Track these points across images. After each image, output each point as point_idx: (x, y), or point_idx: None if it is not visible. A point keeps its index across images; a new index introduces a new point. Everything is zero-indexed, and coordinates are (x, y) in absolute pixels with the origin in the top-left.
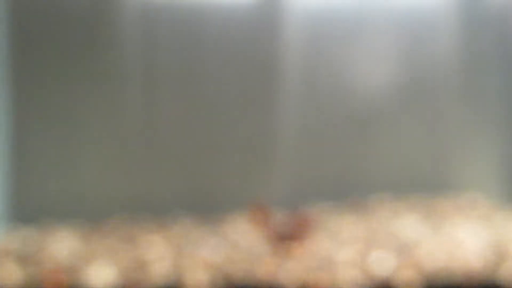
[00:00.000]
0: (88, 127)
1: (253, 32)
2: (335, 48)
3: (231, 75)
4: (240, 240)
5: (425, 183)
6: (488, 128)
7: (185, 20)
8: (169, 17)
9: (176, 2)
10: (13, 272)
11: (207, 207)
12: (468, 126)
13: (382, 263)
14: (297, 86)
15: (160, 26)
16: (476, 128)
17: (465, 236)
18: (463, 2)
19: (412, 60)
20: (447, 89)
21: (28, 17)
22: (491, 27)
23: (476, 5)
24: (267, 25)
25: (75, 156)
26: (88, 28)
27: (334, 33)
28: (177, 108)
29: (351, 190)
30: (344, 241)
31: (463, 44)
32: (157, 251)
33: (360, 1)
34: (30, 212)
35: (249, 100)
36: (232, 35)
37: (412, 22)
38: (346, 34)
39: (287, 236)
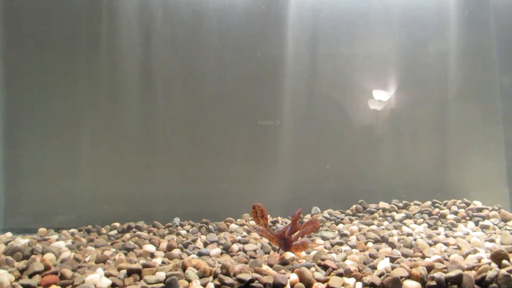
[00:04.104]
0: (85, 132)
1: (256, 34)
2: (338, 53)
3: (233, 81)
4: (242, 242)
5: (430, 189)
6: (492, 131)
7: (185, 19)
8: (168, 14)
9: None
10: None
11: (209, 213)
12: (471, 128)
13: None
14: (300, 92)
15: (160, 25)
16: (480, 131)
17: (470, 240)
18: (463, 2)
19: (413, 60)
20: (450, 90)
21: (23, 17)
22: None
23: (476, 4)
24: (271, 29)
25: (72, 162)
26: (86, 28)
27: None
28: (178, 112)
29: (355, 196)
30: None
31: (464, 43)
32: (156, 256)
33: (361, 1)
34: (24, 219)
35: (252, 104)
36: (233, 38)
37: (413, 20)
38: (348, 38)
39: (290, 239)
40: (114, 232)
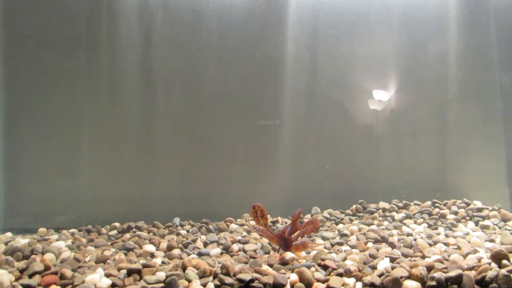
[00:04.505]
0: (85, 132)
1: (256, 34)
2: (337, 51)
3: (233, 81)
4: (241, 242)
5: (430, 189)
6: (492, 131)
7: (185, 19)
8: (168, 14)
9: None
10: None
11: (209, 213)
12: (471, 128)
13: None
14: (300, 92)
15: (160, 25)
16: (480, 131)
17: (470, 240)
18: (463, 2)
19: (413, 60)
20: (450, 90)
21: (23, 17)
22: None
23: (476, 4)
24: (271, 29)
25: (72, 162)
26: (86, 28)
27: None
28: (178, 112)
29: (355, 196)
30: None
31: (464, 43)
32: (156, 256)
33: (361, 1)
34: (24, 219)
35: (252, 104)
36: (233, 38)
37: (413, 20)
38: (348, 38)
39: (290, 239)
40: (114, 232)
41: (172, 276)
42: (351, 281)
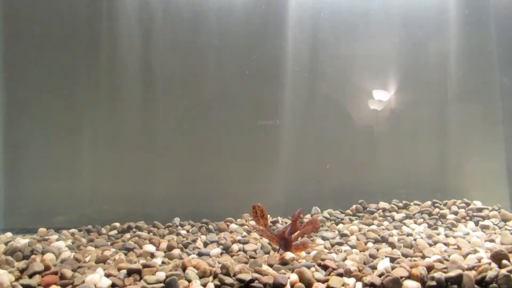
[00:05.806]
0: (84, 132)
1: (256, 34)
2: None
3: (233, 81)
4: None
5: (430, 189)
6: (492, 131)
7: (185, 19)
8: (168, 14)
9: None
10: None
11: (209, 213)
12: (471, 128)
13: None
14: (300, 92)
15: (160, 25)
16: (480, 131)
17: (470, 240)
18: (463, 2)
19: (413, 60)
20: (450, 90)
21: (23, 17)
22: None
23: (476, 4)
24: (271, 28)
25: (72, 162)
26: (86, 27)
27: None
28: (178, 112)
29: (355, 196)
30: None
31: (464, 43)
32: (156, 256)
33: (361, 1)
34: (24, 219)
35: (252, 104)
36: (233, 37)
37: (413, 20)
38: (348, 38)
39: (290, 239)
40: (114, 232)
41: (172, 276)
42: (351, 281)
